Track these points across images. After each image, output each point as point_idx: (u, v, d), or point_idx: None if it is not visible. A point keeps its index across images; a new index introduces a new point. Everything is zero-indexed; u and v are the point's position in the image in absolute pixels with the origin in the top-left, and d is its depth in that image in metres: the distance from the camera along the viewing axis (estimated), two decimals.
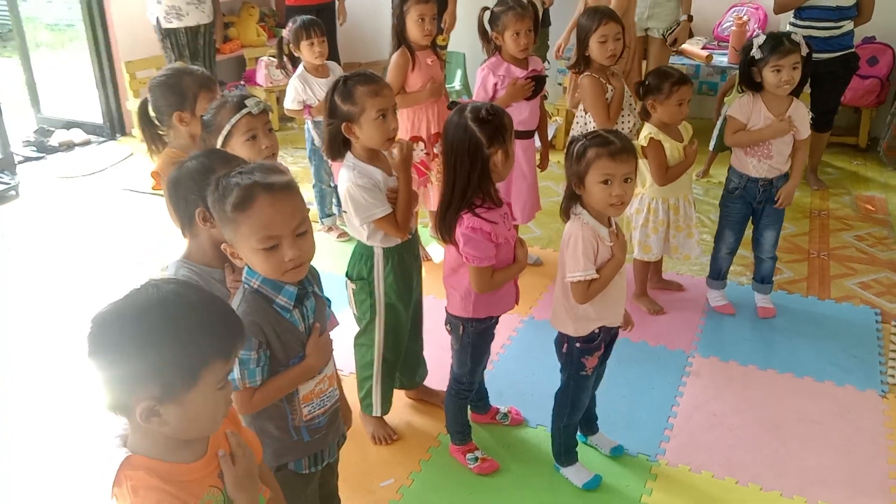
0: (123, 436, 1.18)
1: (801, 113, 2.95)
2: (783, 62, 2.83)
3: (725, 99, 4.62)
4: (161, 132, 2.46)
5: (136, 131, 5.73)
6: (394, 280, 2.35)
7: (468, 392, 2.39)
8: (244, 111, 2.03)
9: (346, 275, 2.41)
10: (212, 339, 1.12)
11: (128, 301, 1.11)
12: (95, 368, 1.09)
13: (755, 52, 2.88)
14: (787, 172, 3.03)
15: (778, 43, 2.84)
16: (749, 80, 2.95)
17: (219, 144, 2.05)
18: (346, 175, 2.21)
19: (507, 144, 2.06)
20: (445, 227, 2.11)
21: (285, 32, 3.81)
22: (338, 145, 2.22)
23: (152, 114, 2.47)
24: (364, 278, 2.36)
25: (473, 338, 2.27)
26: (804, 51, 2.83)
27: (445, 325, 2.32)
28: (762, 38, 2.88)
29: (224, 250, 1.52)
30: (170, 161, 2.31)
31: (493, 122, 2.04)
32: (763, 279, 3.25)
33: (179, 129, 2.39)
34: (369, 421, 2.56)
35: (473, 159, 2.03)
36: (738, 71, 4.53)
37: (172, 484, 1.14)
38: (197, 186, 1.62)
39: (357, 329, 2.49)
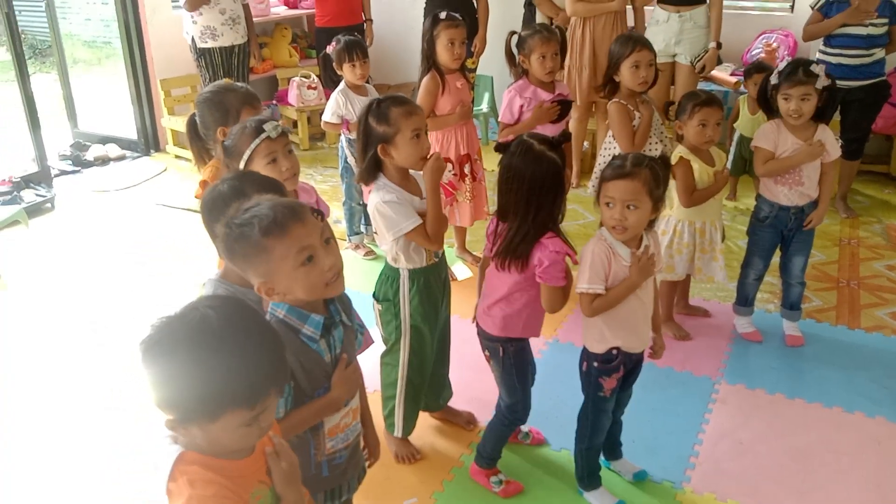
0: (174, 434, 1.20)
1: (828, 136, 2.94)
2: (791, 91, 2.83)
3: (734, 124, 4.61)
4: (208, 146, 2.53)
5: (171, 147, 5.86)
6: (419, 303, 2.37)
7: (521, 421, 2.40)
8: (263, 136, 2.05)
9: (374, 295, 2.44)
10: (236, 386, 1.13)
11: (175, 322, 1.16)
12: (163, 392, 1.15)
13: (773, 78, 2.89)
14: (817, 200, 3.02)
15: (792, 71, 2.84)
16: (766, 105, 2.97)
17: (240, 168, 2.07)
18: (375, 195, 2.25)
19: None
20: (517, 255, 2.12)
21: (329, 50, 3.88)
22: (371, 168, 2.25)
23: (200, 129, 2.54)
24: (390, 300, 2.38)
25: (514, 358, 2.28)
26: (821, 83, 2.81)
27: (484, 351, 2.33)
28: (784, 64, 2.89)
29: (259, 291, 1.47)
30: (217, 171, 2.40)
31: (562, 146, 2.13)
32: (792, 305, 3.22)
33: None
34: (392, 440, 2.57)
35: (555, 186, 2.08)
36: (741, 96, 4.58)
37: (225, 478, 1.18)
38: (229, 210, 1.64)
39: (384, 348, 2.51)
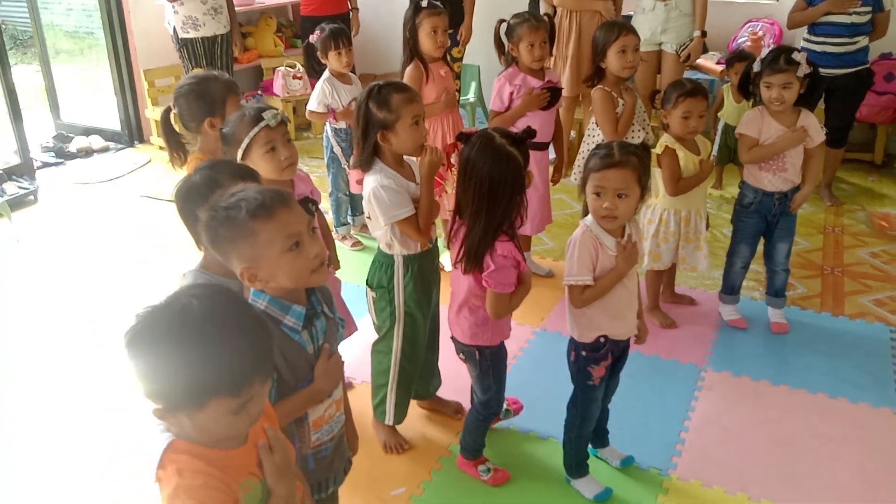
0: (164, 422, 1.20)
1: (812, 122, 2.96)
2: (773, 79, 2.85)
3: (718, 113, 4.63)
4: (184, 140, 2.50)
5: (155, 139, 5.81)
6: (413, 289, 2.36)
7: (495, 414, 2.41)
8: (262, 124, 2.04)
9: (367, 282, 2.43)
10: (219, 375, 1.13)
11: (157, 312, 1.15)
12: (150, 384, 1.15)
13: (756, 65, 2.91)
14: (800, 185, 3.03)
15: (774, 59, 2.85)
16: (748, 92, 3.00)
17: (238, 157, 2.06)
18: (372, 178, 2.24)
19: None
20: (477, 257, 2.05)
21: (313, 39, 3.84)
22: (371, 154, 2.25)
23: (173, 122, 2.50)
24: (384, 286, 2.37)
25: (491, 360, 2.28)
26: (803, 71, 2.82)
27: (458, 354, 2.33)
28: (766, 51, 2.90)
29: (241, 277, 1.45)
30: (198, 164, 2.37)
31: (526, 142, 2.06)
32: (777, 292, 3.24)
33: (210, 135, 2.44)
34: (381, 429, 2.57)
35: (515, 184, 2.02)
36: (724, 85, 4.59)
37: (215, 467, 1.17)
38: (204, 200, 1.59)
39: (375, 337, 2.50)
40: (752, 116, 2.99)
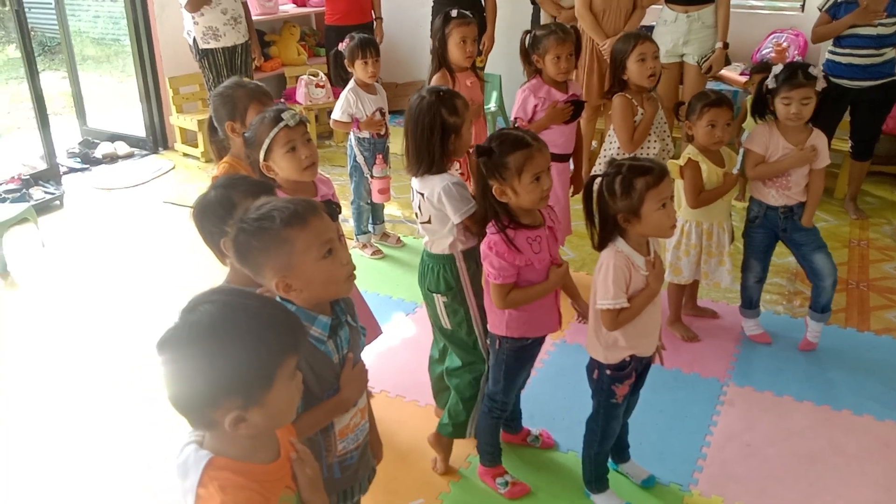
0: (199, 439, 1.20)
1: (822, 142, 2.92)
2: (792, 94, 2.81)
3: (743, 125, 4.60)
4: (225, 143, 2.55)
5: (179, 145, 5.87)
6: (477, 282, 2.36)
7: (501, 411, 2.38)
8: (281, 124, 2.07)
9: (429, 290, 2.38)
10: (279, 338, 1.15)
11: (189, 322, 1.13)
12: (174, 392, 1.12)
13: (770, 81, 2.87)
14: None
15: (791, 75, 2.81)
16: (761, 108, 2.94)
17: (261, 159, 2.11)
18: (439, 178, 2.26)
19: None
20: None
21: (342, 46, 3.87)
22: (440, 157, 2.28)
23: (215, 124, 2.56)
24: (453, 287, 2.34)
25: (508, 356, 2.26)
26: (820, 85, 2.79)
27: (486, 338, 2.34)
28: (779, 67, 2.87)
29: (276, 287, 1.44)
30: (230, 167, 2.42)
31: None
32: (822, 308, 3.09)
33: (233, 139, 2.49)
34: (448, 445, 2.53)
35: (485, 187, 2.08)
36: (748, 96, 4.56)
37: (256, 482, 1.18)
38: (220, 220, 1.61)
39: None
40: (759, 132, 2.97)
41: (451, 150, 2.27)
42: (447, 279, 2.35)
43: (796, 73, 2.81)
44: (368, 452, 1.75)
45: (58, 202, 4.90)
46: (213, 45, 4.94)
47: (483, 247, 2.10)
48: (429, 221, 2.31)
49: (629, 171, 1.99)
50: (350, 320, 1.60)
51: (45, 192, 4.89)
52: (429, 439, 2.53)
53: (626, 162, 2.04)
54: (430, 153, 2.25)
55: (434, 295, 2.38)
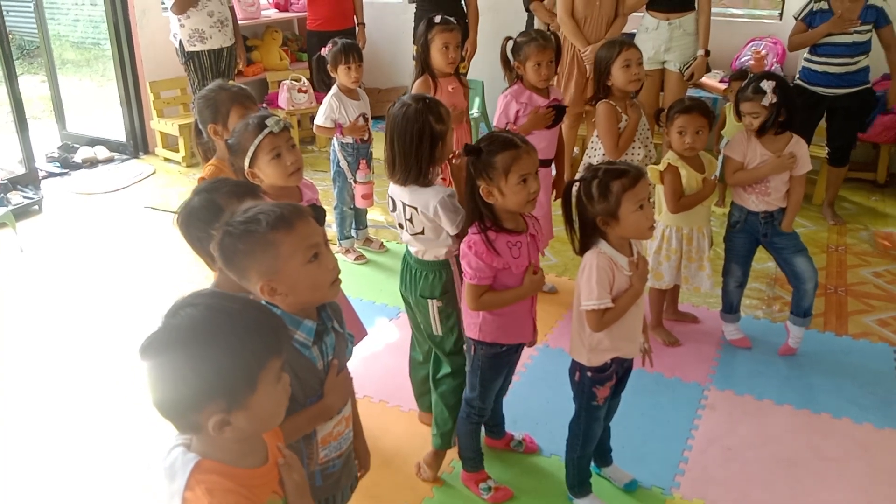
0: (186, 442, 1.19)
1: (802, 150, 2.96)
2: (743, 107, 2.93)
3: (721, 131, 4.65)
4: (211, 145, 2.54)
5: (160, 150, 5.83)
6: None
7: (479, 417, 2.38)
8: (266, 131, 2.07)
9: (422, 296, 2.37)
10: (262, 340, 1.14)
11: (171, 326, 1.12)
12: (158, 397, 1.12)
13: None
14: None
15: (746, 86, 2.93)
16: (738, 112, 3.04)
17: (246, 166, 2.10)
18: (432, 190, 2.26)
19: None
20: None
21: (325, 51, 3.87)
22: (427, 167, 2.28)
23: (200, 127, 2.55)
24: (448, 291, 2.35)
25: (483, 362, 2.26)
26: (767, 100, 2.84)
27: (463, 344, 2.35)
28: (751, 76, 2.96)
29: (261, 291, 1.43)
30: (216, 170, 2.40)
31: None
32: (805, 312, 3.11)
33: (217, 142, 2.48)
34: (441, 458, 2.53)
35: (473, 187, 2.09)
36: (727, 103, 4.62)
37: (243, 486, 1.17)
38: (206, 224, 1.60)
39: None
40: (738, 139, 3.02)
41: (437, 157, 2.27)
42: (442, 283, 2.35)
43: (747, 87, 2.91)
44: (352, 461, 1.73)
45: (37, 207, 4.84)
46: (199, 47, 4.92)
47: (462, 245, 2.11)
48: (422, 233, 2.30)
49: (605, 175, 2.02)
50: (337, 326, 1.59)
51: (24, 197, 4.83)
52: (425, 460, 2.52)
53: (603, 166, 2.07)
54: (417, 161, 2.24)
55: (428, 301, 2.37)
